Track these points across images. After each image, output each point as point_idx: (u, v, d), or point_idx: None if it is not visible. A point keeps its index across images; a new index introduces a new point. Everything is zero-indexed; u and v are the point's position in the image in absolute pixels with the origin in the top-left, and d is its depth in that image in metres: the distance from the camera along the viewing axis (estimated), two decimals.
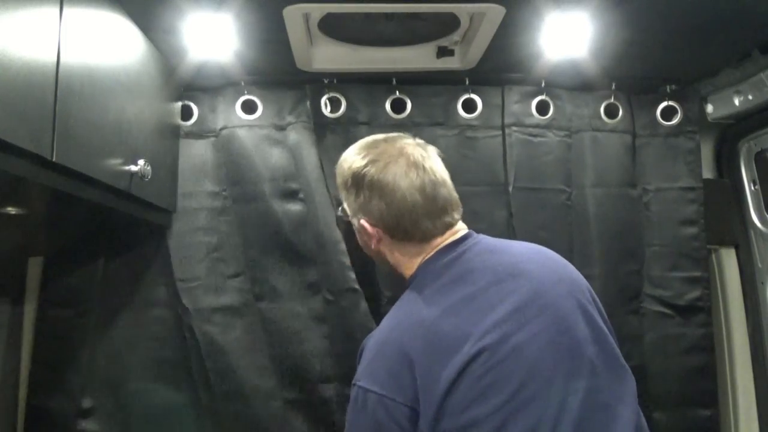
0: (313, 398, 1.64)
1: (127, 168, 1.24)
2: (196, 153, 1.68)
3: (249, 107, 1.69)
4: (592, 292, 1.08)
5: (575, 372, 0.95)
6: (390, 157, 1.08)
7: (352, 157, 1.12)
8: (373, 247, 1.13)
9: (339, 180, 1.16)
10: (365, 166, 1.08)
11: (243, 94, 1.68)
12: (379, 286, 1.67)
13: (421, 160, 1.08)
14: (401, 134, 1.15)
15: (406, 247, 1.10)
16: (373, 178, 1.07)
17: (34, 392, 1.57)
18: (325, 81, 1.68)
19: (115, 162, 1.19)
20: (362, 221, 1.10)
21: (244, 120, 1.68)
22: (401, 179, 1.06)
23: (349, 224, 1.18)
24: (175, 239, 1.64)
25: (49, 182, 0.98)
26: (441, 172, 1.10)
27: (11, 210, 1.17)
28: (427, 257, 1.09)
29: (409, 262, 1.11)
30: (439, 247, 1.08)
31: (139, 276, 1.65)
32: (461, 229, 1.12)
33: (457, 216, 1.11)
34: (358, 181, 1.09)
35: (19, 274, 1.59)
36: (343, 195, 1.16)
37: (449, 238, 1.09)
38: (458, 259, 1.06)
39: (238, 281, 1.66)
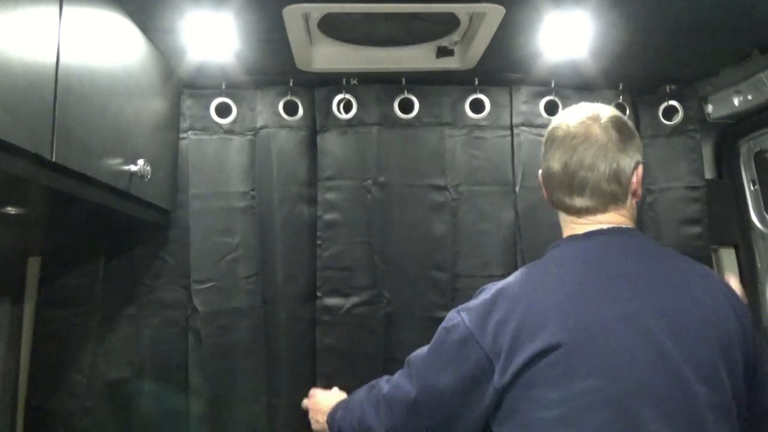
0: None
1: (126, 168, 1.24)
2: (211, 153, 1.67)
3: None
4: (735, 341, 0.99)
5: (666, 399, 0.92)
6: (574, 128, 1.10)
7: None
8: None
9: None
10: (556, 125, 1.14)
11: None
12: (396, 293, 1.67)
13: (583, 141, 1.08)
14: (602, 111, 1.13)
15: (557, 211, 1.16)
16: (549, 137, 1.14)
17: (33, 392, 1.57)
18: (341, 81, 1.68)
19: (114, 162, 1.19)
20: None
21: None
22: (561, 147, 1.10)
23: None
24: (193, 240, 1.64)
25: (48, 182, 0.98)
26: (595, 159, 1.07)
27: (11, 210, 1.17)
28: (571, 233, 1.11)
29: (562, 228, 1.15)
30: (585, 231, 1.09)
31: (138, 276, 1.65)
32: (608, 221, 1.10)
33: (594, 204, 1.09)
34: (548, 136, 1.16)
35: (18, 274, 1.59)
36: None
37: (593, 225, 1.10)
38: (592, 246, 1.07)
39: (252, 282, 1.66)
